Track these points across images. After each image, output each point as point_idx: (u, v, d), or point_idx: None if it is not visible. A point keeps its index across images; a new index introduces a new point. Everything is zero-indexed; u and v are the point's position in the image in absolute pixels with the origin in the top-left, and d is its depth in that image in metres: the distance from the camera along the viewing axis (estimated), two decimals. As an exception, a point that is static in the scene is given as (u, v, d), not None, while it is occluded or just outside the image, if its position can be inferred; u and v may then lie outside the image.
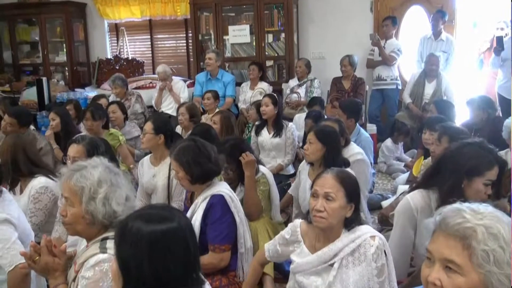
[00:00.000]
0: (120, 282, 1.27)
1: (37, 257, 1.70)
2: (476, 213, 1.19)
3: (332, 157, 2.94)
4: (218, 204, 2.42)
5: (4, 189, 2.21)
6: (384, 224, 3.36)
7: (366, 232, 1.91)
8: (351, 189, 1.92)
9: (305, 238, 2.03)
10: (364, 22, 6.38)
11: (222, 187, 2.50)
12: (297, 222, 2.09)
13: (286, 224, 3.28)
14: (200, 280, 1.34)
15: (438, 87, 5.44)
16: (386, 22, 6.00)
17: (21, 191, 2.82)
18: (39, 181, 2.75)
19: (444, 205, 2.10)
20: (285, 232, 2.10)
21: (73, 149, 2.69)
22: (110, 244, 1.62)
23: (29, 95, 6.76)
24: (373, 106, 6.13)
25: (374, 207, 3.90)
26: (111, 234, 1.66)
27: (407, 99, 5.66)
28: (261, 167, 3.06)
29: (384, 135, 5.69)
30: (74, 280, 1.68)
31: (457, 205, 1.24)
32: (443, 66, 5.64)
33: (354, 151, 3.44)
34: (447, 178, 2.19)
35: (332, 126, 3.26)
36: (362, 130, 4.21)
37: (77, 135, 3.23)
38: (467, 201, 2.09)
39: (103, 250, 1.62)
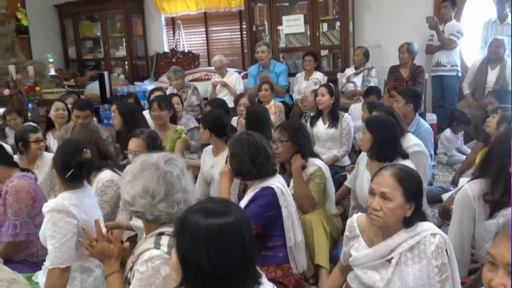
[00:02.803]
0: (180, 274, 1.30)
1: (94, 243, 1.82)
2: None
3: (379, 147, 2.86)
4: (266, 195, 2.46)
5: (88, 184, 2.33)
6: (445, 218, 3.25)
7: (427, 229, 1.84)
8: (410, 188, 1.83)
9: (363, 232, 2.00)
10: (423, 8, 6.08)
11: (274, 180, 2.52)
12: (354, 218, 2.05)
13: (341, 216, 3.27)
14: (257, 274, 1.35)
15: (501, 74, 5.15)
16: (444, 3, 5.70)
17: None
18: (105, 175, 2.86)
19: (493, 191, 2.05)
20: (346, 231, 2.08)
21: (133, 143, 2.82)
22: (165, 240, 1.66)
23: (92, 89, 7.09)
24: (433, 93, 5.88)
25: (434, 200, 3.77)
26: (167, 229, 1.69)
27: (466, 89, 5.40)
28: (317, 160, 3.04)
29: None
30: (130, 269, 1.74)
31: None
32: (509, 52, 5.32)
33: (411, 143, 3.31)
34: (494, 163, 2.12)
35: (385, 115, 3.18)
36: (422, 120, 4.04)
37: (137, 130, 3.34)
38: None
39: (157, 246, 1.66)
